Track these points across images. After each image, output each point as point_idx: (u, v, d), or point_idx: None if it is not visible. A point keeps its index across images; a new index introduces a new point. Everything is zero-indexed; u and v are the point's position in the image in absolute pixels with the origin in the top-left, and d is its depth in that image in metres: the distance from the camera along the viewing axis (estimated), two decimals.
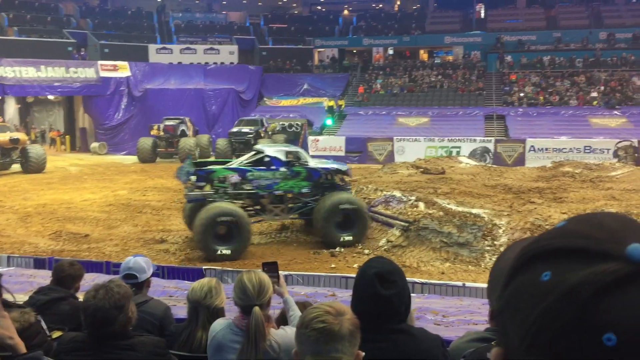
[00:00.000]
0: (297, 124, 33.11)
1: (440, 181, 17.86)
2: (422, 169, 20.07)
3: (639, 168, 19.56)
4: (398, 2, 48.31)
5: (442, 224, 13.03)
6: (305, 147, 31.09)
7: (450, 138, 29.14)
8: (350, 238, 12.97)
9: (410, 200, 14.63)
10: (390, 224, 13.77)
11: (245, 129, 28.99)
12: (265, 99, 37.79)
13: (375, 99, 36.63)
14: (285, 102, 36.87)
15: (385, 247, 12.94)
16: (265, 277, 2.94)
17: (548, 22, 41.74)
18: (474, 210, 13.73)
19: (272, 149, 13.97)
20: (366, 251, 12.73)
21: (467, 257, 12.19)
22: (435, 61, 41.29)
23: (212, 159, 27.49)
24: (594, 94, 33.54)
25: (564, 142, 27.61)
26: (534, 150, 27.66)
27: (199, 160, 15.61)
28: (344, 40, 43.85)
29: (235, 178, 13.03)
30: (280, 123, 32.93)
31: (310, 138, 30.65)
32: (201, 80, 36.37)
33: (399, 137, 29.72)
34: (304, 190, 13.33)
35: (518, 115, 31.96)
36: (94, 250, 12.90)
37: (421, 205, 14.28)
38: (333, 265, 11.80)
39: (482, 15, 45.25)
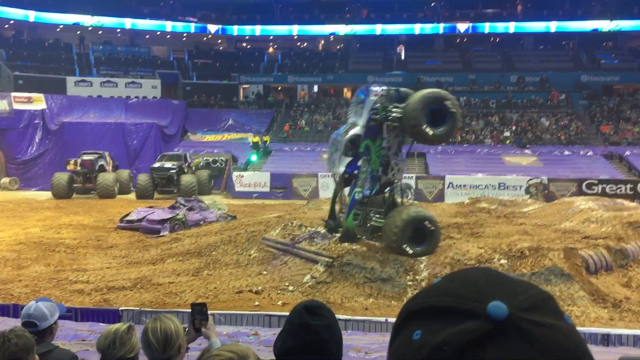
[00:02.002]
0: (221, 160, 32.85)
1: None
2: None
3: (549, 204, 20.59)
4: (322, 42, 49.42)
5: (365, 259, 13.15)
6: (229, 182, 30.82)
7: None
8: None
9: (334, 236, 14.70)
10: (315, 260, 13.75)
11: (168, 164, 28.40)
12: (189, 134, 37.29)
13: (300, 136, 36.97)
14: (210, 138, 36.52)
15: (310, 283, 12.87)
16: (172, 327, 2.74)
17: (464, 65, 43.88)
18: None
19: None
20: (290, 288, 12.62)
21: (389, 292, 12.32)
22: None
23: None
24: (507, 134, 35.36)
25: (480, 179, 28.77)
26: (453, 186, 28.64)
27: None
28: (269, 77, 44.25)
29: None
30: (205, 158, 32.54)
31: (235, 174, 30.41)
32: (122, 114, 35.46)
33: (324, 174, 29.96)
34: None
35: (438, 153, 33.09)
36: (1, 292, 12.08)
37: None
38: (257, 303, 11.60)
39: (403, 56, 47.00)
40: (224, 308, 10.75)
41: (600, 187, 27.40)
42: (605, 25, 42.68)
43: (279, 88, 45.22)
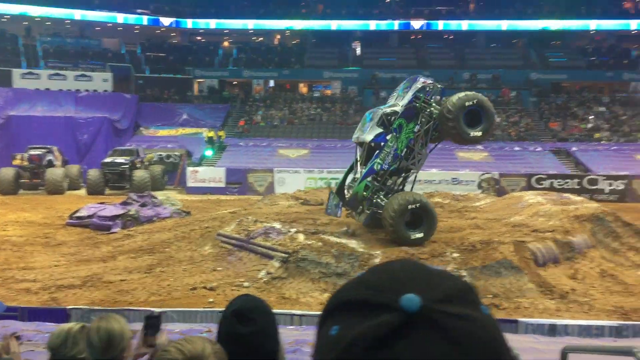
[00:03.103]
0: (175, 155, 32.37)
1: (320, 212, 18.10)
2: (302, 200, 20.26)
3: (500, 199, 21.07)
4: (278, 37, 49.19)
5: (321, 254, 13.17)
6: (183, 178, 30.39)
7: (329, 170, 29.78)
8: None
9: (289, 231, 14.67)
10: (270, 255, 13.69)
11: (120, 160, 27.79)
12: (142, 128, 36.56)
13: (256, 131, 36.75)
14: (163, 132, 35.91)
15: (265, 279, 12.81)
16: (116, 327, 2.62)
17: (418, 62, 44.42)
18: (351, 244, 14.01)
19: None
20: (246, 284, 12.53)
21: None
22: (315, 95, 42.36)
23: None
24: None
25: (434, 174, 29.19)
26: (408, 181, 28.95)
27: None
28: (224, 71, 43.79)
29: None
30: (158, 153, 32.00)
31: (189, 169, 29.99)
32: (72, 107, 34.49)
33: (280, 169, 29.93)
34: None
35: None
36: None
37: (300, 236, 14.35)
38: (211, 300, 11.46)
39: (358, 52, 47.24)
40: (177, 305, 10.59)
41: (548, 181, 28.23)
42: (553, 24, 43.92)
43: (234, 82, 44.80)
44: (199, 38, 49.21)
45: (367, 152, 14.47)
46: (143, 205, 19.66)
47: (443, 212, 18.84)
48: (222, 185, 29.44)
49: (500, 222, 16.12)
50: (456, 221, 16.96)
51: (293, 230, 14.61)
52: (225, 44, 48.71)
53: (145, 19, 45.41)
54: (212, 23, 45.73)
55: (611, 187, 28.28)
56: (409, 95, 14.29)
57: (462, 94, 13.91)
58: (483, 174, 29.05)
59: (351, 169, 15.34)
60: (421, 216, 13.43)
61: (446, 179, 28.94)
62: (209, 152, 32.67)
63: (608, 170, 29.47)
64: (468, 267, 12.46)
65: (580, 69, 42.19)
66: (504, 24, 44.48)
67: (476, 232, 14.59)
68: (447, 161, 31.38)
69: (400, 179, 14.72)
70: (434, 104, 14.09)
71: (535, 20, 44.09)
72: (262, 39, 48.95)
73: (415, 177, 15.08)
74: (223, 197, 27.69)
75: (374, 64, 43.24)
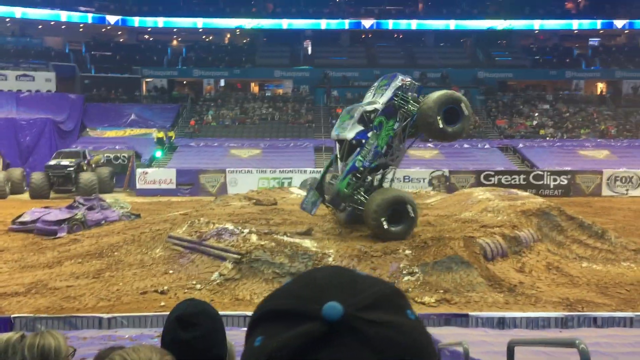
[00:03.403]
0: (123, 156, 31.64)
1: (273, 212, 18.02)
2: (254, 201, 20.11)
3: (450, 195, 21.45)
4: (228, 35, 48.73)
5: (274, 254, 13.10)
6: (133, 180, 29.74)
7: (281, 169, 29.71)
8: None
9: (242, 232, 14.53)
10: (223, 257, 13.53)
11: (65, 162, 26.96)
12: (88, 129, 35.58)
13: (207, 131, 36.29)
14: (111, 133, 35.04)
15: (218, 280, 12.65)
16: (52, 344, 2.49)
17: (369, 60, 44.80)
18: (305, 243, 13.99)
19: None
20: (198, 286, 12.34)
21: None
22: (266, 94, 42.16)
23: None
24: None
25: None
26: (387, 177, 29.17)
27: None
28: (174, 70, 43.06)
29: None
30: (106, 155, 31.22)
31: (139, 171, 29.36)
32: (13, 108, 33.23)
33: (232, 169, 29.65)
34: None
35: None
36: None
37: (253, 237, 14.24)
38: (163, 304, 11.23)
39: (310, 51, 47.28)
40: (127, 310, 10.34)
41: (496, 178, 28.93)
42: (499, 24, 45.02)
43: (184, 82, 44.14)
44: (146, 37, 48.25)
45: (348, 149, 14.62)
46: (90, 208, 19.13)
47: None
48: (173, 186, 28.97)
49: (451, 218, 16.41)
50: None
51: (246, 230, 14.47)
52: (174, 42, 47.93)
53: (89, 17, 44.16)
54: (160, 21, 44.87)
55: (556, 182, 29.20)
56: (388, 93, 14.54)
57: (442, 93, 14.35)
58: (433, 172, 29.53)
59: (330, 165, 15.55)
60: (401, 211, 13.69)
61: (397, 177, 29.09)
62: (158, 153, 32.08)
63: (553, 165, 30.42)
64: (420, 264, 12.62)
65: (525, 68, 43.41)
66: (452, 24, 45.33)
67: (428, 229, 14.79)
68: None
69: (379, 175, 14.94)
70: (411, 101, 14.39)
71: (482, 20, 45.11)
72: (212, 37, 48.39)
73: (394, 172, 15.33)
74: (174, 199, 27.24)
75: (325, 63, 43.36)
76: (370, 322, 0.70)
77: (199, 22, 45.01)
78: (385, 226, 13.53)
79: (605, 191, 29.07)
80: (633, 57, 44.62)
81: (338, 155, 15.06)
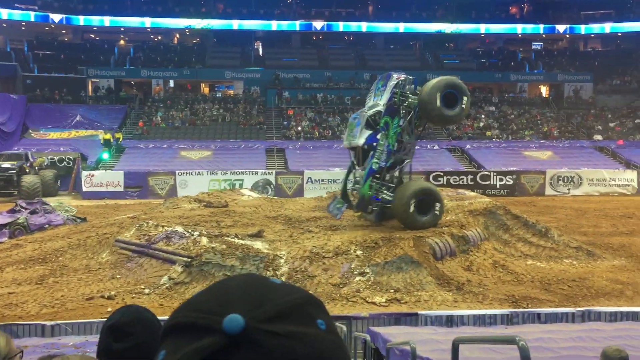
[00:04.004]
0: (68, 158, 30.75)
1: (224, 214, 17.86)
2: (205, 203, 19.87)
3: None
4: (177, 36, 48.00)
5: (225, 257, 12.97)
6: (78, 182, 28.91)
7: (233, 171, 29.47)
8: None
9: (192, 235, 14.32)
10: (172, 260, 13.30)
11: (6, 164, 26.01)
12: (30, 131, 34.40)
13: (156, 132, 35.64)
14: (55, 135, 33.97)
15: (167, 284, 12.43)
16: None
17: (320, 62, 44.97)
18: (256, 245, 13.91)
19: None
20: (146, 290, 12.09)
21: None
22: (217, 95, 41.73)
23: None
24: None
25: (337, 173, 29.61)
26: (312, 181, 29.26)
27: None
28: (121, 70, 42.13)
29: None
30: (50, 157, 30.27)
31: (84, 173, 28.57)
32: None
33: (182, 171, 29.21)
34: None
35: (297, 149, 33.62)
36: None
37: (204, 239, 14.06)
38: (110, 309, 10.95)
39: (261, 52, 47.09)
40: (72, 317, 10.04)
41: (445, 178, 29.49)
42: (447, 27, 45.95)
43: (132, 82, 43.22)
44: (92, 36, 47.03)
45: (363, 155, 15.46)
46: (33, 212, 18.48)
47: (347, 211, 19.17)
48: (121, 189, 28.33)
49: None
50: (360, 219, 17.29)
51: (196, 233, 14.28)
52: (122, 42, 46.88)
53: (32, 15, 42.68)
54: (107, 20, 43.78)
55: (502, 183, 30.00)
56: (387, 94, 15.30)
57: (440, 78, 15.30)
58: None
59: (349, 172, 16.39)
60: (429, 202, 14.58)
61: (349, 178, 29.42)
62: (105, 155, 31.30)
63: (499, 166, 31.23)
64: (371, 264, 12.73)
65: (472, 71, 44.43)
66: (401, 27, 45.98)
67: (378, 229, 14.95)
68: (348, 160, 31.91)
69: (397, 172, 15.63)
70: (410, 95, 15.15)
71: (431, 24, 45.92)
72: (160, 37, 47.58)
73: (411, 165, 15.97)
74: (122, 202, 26.63)
75: (277, 64, 43.27)
76: (272, 334, 0.68)
77: (147, 22, 44.15)
78: (416, 216, 14.41)
79: (549, 190, 30.05)
80: (574, 60, 46.33)
81: (354, 162, 15.96)
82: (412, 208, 14.34)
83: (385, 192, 15.15)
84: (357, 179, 15.75)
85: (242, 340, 0.67)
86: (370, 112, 15.36)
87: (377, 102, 15.57)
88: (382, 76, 16.41)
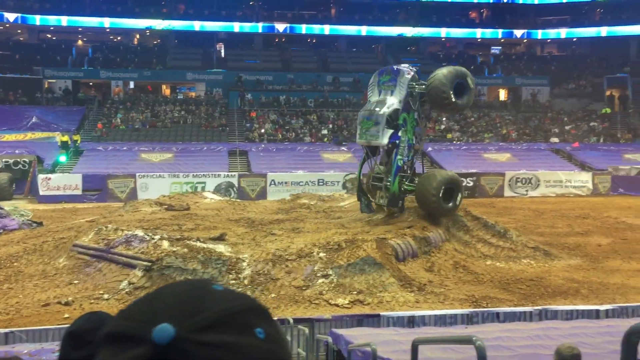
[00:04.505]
0: (24, 161, 29.91)
1: (185, 217, 17.65)
2: (166, 206, 19.60)
3: None
4: (137, 36, 47.23)
5: (187, 261, 12.81)
6: (34, 186, 28.15)
7: (195, 174, 29.15)
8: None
9: (153, 238, 14.10)
10: (132, 264, 13.06)
11: None
12: None
13: (115, 134, 34.99)
14: (10, 137, 32.96)
15: (127, 289, 12.21)
16: None
17: (283, 64, 44.90)
18: (218, 248, 13.78)
19: None
20: (105, 296, 11.86)
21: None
22: (178, 97, 41.22)
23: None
24: (325, 132, 36.91)
25: (300, 175, 29.66)
26: (275, 184, 29.17)
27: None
28: (79, 71, 41.20)
29: None
30: (4, 160, 29.40)
31: (41, 176, 27.83)
32: None
33: (142, 174, 28.75)
34: None
35: (260, 151, 33.48)
36: None
37: (165, 243, 13.85)
38: (67, 316, 10.70)
39: (223, 54, 46.75)
40: (27, 324, 9.77)
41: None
42: (408, 31, 46.48)
43: (90, 84, 42.34)
44: (49, 36, 45.89)
45: (387, 153, 16.31)
46: None
47: (310, 213, 19.18)
48: (79, 192, 27.70)
49: (364, 220, 16.73)
50: (323, 222, 17.33)
51: (157, 237, 14.07)
52: (79, 42, 45.89)
53: None
54: (64, 20, 42.76)
55: (462, 184, 30.44)
56: (402, 90, 15.96)
57: (450, 69, 15.99)
58: (347, 175, 29.95)
59: (361, 169, 17.39)
60: (452, 190, 15.60)
61: (312, 180, 29.51)
62: (63, 158, 30.57)
63: (459, 168, 31.68)
64: (334, 266, 12.76)
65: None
66: (364, 30, 46.30)
67: (341, 232, 15.00)
68: (313, 163, 32.01)
69: (411, 161, 16.59)
70: (417, 85, 16.01)
71: (392, 27, 46.38)
72: (120, 38, 46.75)
73: (422, 152, 17.31)
74: (80, 206, 26.05)
75: (239, 66, 43.00)
76: (203, 345, 0.66)
77: (106, 22, 43.31)
78: (442, 203, 15.32)
79: (507, 192, 30.67)
80: (531, 65, 47.43)
81: (373, 159, 16.78)
82: (440, 196, 15.28)
83: (406, 183, 16.03)
84: (377, 175, 16.44)
85: (171, 350, 0.64)
86: (388, 110, 15.89)
87: (387, 97, 16.12)
88: (385, 70, 16.87)
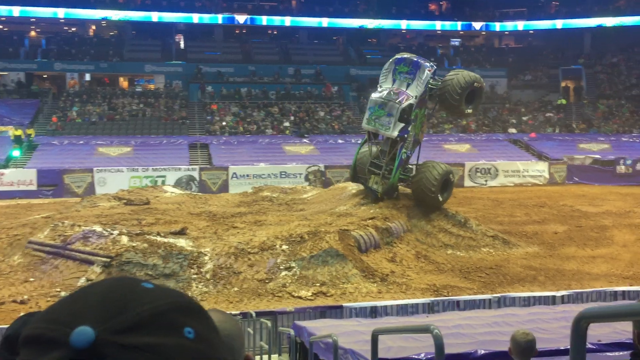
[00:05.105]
0: None
1: (145, 212, 17.36)
2: (125, 201, 19.25)
3: (325, 190, 21.89)
4: (93, 27, 46.06)
5: (147, 256, 12.61)
6: None
7: (155, 167, 28.67)
8: None
9: (112, 234, 13.82)
10: (90, 261, 12.79)
11: None
12: None
13: (71, 128, 34.11)
14: None
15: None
16: None
17: (244, 56, 44.48)
18: (179, 243, 13.60)
19: None
20: (62, 293, 11.56)
21: (173, 287, 11.97)
22: (137, 89, 40.43)
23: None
24: (286, 124, 36.77)
25: (262, 168, 29.51)
26: (237, 176, 28.95)
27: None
28: (32, 63, 39.94)
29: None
30: None
31: None
32: None
33: (100, 168, 28.13)
34: None
35: (221, 144, 33.14)
36: None
37: (124, 238, 13.59)
38: (23, 315, 10.38)
39: (182, 45, 46.02)
40: None
41: None
42: (369, 23, 46.61)
43: (45, 76, 41.14)
44: (0, 27, 44.35)
45: (391, 143, 16.61)
46: None
47: (272, 205, 19.11)
48: (34, 188, 26.96)
49: (327, 212, 16.75)
50: (285, 214, 17.29)
51: (115, 232, 13.80)
52: (32, 33, 44.48)
53: None
54: (16, 10, 41.30)
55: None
56: (421, 87, 16.28)
57: (467, 75, 16.57)
58: (310, 167, 29.97)
59: (359, 152, 17.51)
60: (447, 182, 16.29)
61: (274, 173, 29.39)
62: (16, 153, 29.67)
63: (420, 159, 32.02)
64: (297, 258, 12.74)
65: None
66: (325, 22, 46.20)
67: (304, 224, 14.98)
68: (275, 155, 31.88)
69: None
70: (432, 82, 16.52)
71: (353, 19, 46.43)
72: (75, 29, 45.49)
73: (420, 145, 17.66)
74: (35, 201, 25.35)
75: (199, 58, 42.41)
76: (125, 347, 0.62)
77: (60, 12, 42.02)
78: (438, 194, 16.04)
79: (467, 182, 31.16)
80: (489, 56, 48.18)
81: (371, 142, 17.03)
82: (439, 188, 16.00)
83: (400, 171, 16.65)
84: (375, 162, 16.72)
85: (91, 354, 0.61)
86: (404, 104, 16.14)
87: (402, 89, 16.38)
88: (404, 60, 16.97)
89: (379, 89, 16.99)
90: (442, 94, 16.35)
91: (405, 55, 17.43)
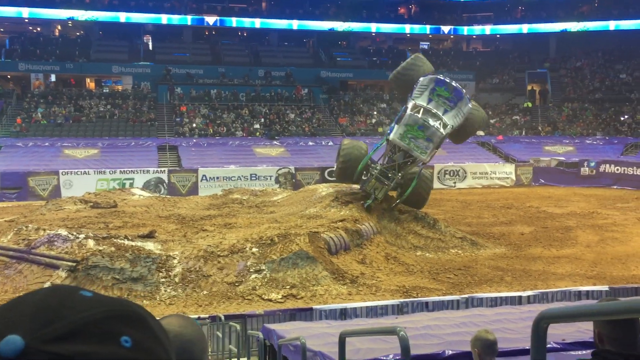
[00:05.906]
0: None
1: (112, 215, 17.11)
2: (91, 204, 18.93)
3: (296, 192, 21.87)
4: (59, 27, 45.21)
5: (114, 260, 12.41)
6: None
7: (122, 170, 28.26)
8: None
9: (78, 237, 13.56)
10: (55, 265, 12.53)
11: None
12: None
13: (36, 130, 33.41)
14: None
15: None
16: None
17: (213, 58, 44.18)
18: (148, 246, 13.42)
19: None
20: None
21: (141, 291, 11.83)
22: (104, 90, 39.82)
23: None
24: (257, 126, 36.64)
25: (232, 170, 29.33)
26: (206, 179, 28.71)
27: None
28: None
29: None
30: None
31: None
32: None
33: (66, 170, 27.60)
34: None
35: (190, 146, 32.85)
36: None
37: (90, 242, 13.36)
38: None
39: (150, 47, 45.49)
40: None
41: None
42: (339, 25, 46.78)
43: (8, 76, 40.21)
44: None
45: (404, 157, 16.89)
46: None
47: (242, 208, 19.00)
48: None
49: (297, 215, 16.73)
50: (255, 216, 17.21)
51: (82, 236, 13.55)
52: None
53: None
54: None
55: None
56: (459, 119, 16.67)
57: (484, 116, 18.88)
58: (280, 169, 29.90)
59: (369, 158, 17.66)
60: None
61: (245, 175, 29.25)
62: None
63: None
64: (267, 261, 12.69)
65: (363, 68, 45.55)
66: (295, 24, 46.20)
67: (274, 226, 14.93)
68: (245, 157, 31.72)
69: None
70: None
71: (323, 22, 46.53)
72: (40, 29, 44.59)
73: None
74: None
75: (168, 59, 41.98)
76: (56, 356, 0.61)
77: (25, 12, 41.15)
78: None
79: (437, 184, 31.44)
80: (457, 60, 48.81)
81: (393, 158, 17.20)
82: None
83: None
84: (386, 172, 17.09)
85: None
86: (445, 134, 16.57)
87: (439, 113, 16.41)
88: (446, 84, 16.81)
89: (412, 103, 16.69)
90: (462, 125, 17.04)
91: (447, 79, 17.31)
